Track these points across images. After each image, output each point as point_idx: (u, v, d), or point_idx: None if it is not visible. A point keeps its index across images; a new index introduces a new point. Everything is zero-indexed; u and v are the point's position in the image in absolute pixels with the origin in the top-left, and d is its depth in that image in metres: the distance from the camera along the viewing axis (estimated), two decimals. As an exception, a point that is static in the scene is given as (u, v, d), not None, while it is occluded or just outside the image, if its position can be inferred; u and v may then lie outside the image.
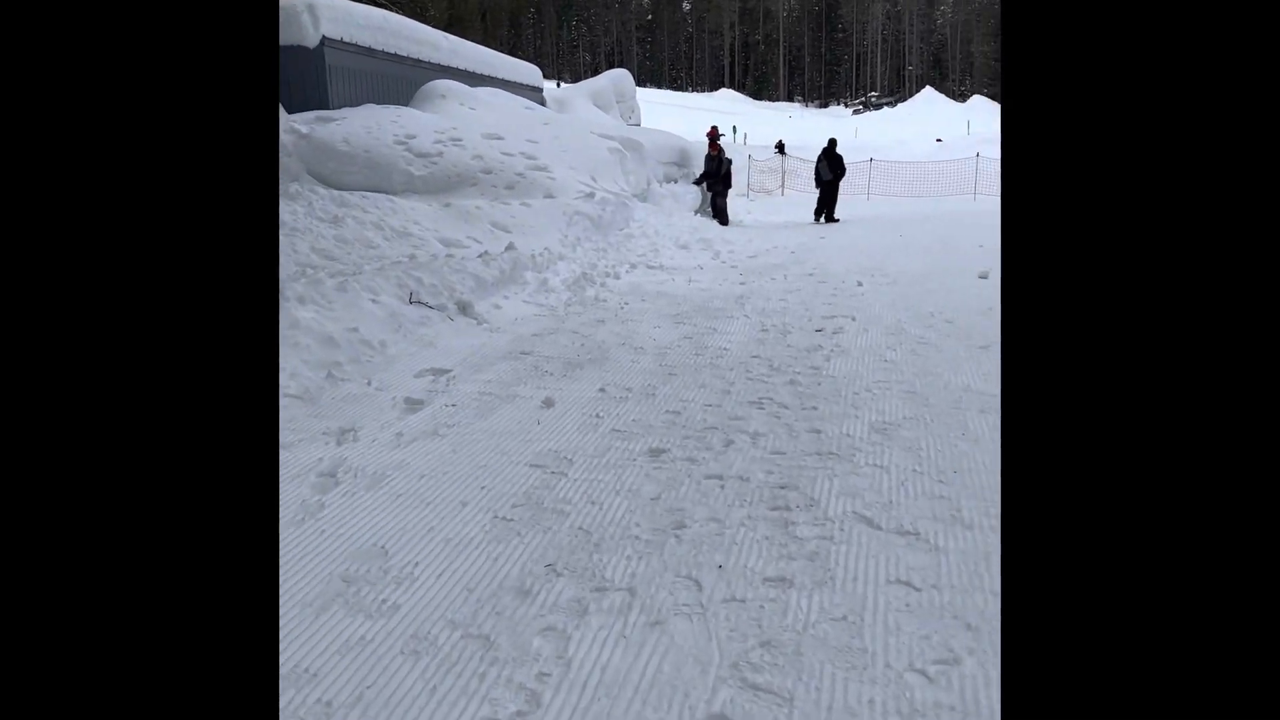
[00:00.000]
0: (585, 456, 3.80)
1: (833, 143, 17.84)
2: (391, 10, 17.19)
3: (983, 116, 58.32)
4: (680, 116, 51.25)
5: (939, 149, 38.43)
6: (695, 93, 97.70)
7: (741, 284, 8.67)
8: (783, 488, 3.42)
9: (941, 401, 4.50)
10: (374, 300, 5.92)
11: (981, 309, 7.05)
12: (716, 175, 16.47)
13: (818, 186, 17.63)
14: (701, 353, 5.69)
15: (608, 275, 8.74)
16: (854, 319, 6.73)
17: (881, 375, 5.05)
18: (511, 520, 3.16)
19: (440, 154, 11.32)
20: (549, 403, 4.54)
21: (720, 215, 16.32)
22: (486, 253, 8.01)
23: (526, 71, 23.81)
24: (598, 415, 4.37)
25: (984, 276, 8.72)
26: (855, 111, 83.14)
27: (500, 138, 12.42)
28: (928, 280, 8.66)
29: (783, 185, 27.48)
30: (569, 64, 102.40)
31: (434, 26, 20.81)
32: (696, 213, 16.18)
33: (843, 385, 4.85)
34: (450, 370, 5.18)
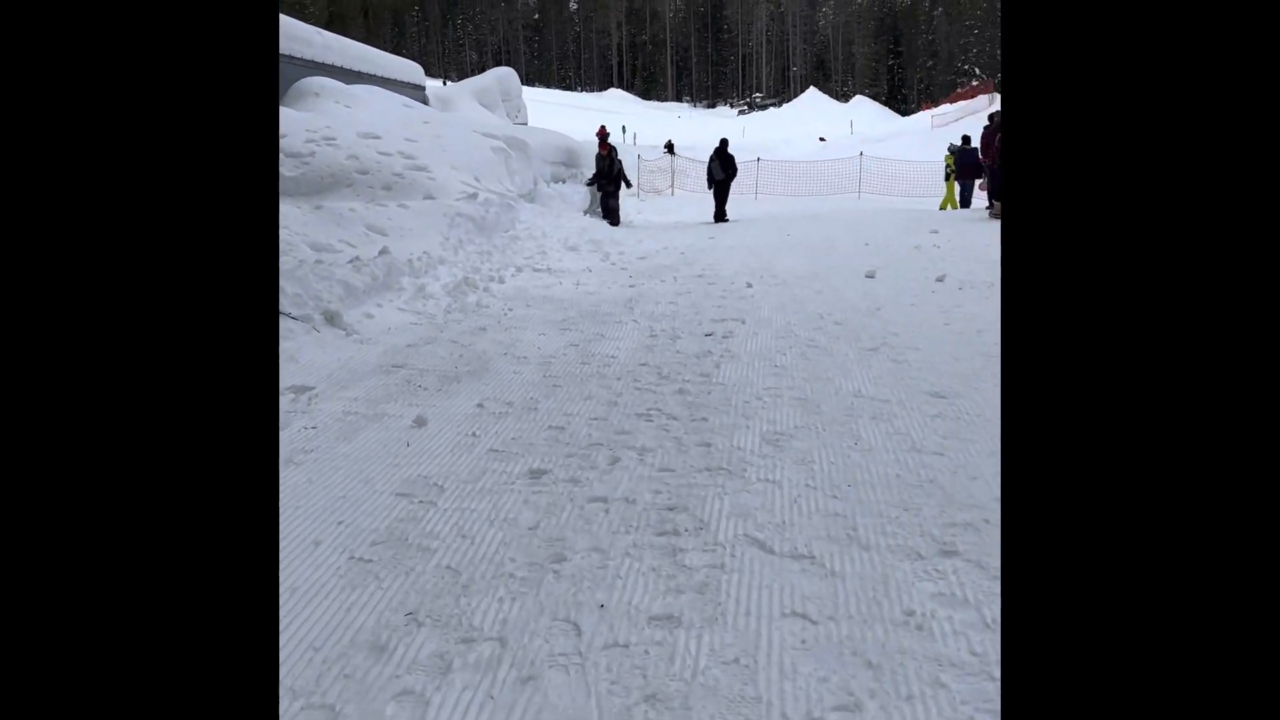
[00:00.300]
0: (458, 482, 3.49)
1: (724, 142, 17.87)
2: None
3: (865, 116, 59.99)
4: (570, 116, 50.97)
5: (823, 148, 39.29)
6: (585, 92, 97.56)
7: (631, 286, 8.45)
8: (671, 509, 3.19)
9: (833, 409, 4.36)
10: (230, 312, 5.44)
11: (869, 309, 7.00)
12: (608, 175, 16.27)
13: (710, 186, 17.62)
14: (588, 361, 5.43)
15: (491, 279, 8.39)
16: (744, 322, 6.58)
17: (772, 382, 4.89)
18: (370, 561, 2.83)
19: (312, 154, 10.74)
20: (421, 421, 4.20)
21: (611, 216, 16.11)
22: (358, 258, 7.56)
23: (407, 69, 23.04)
24: (474, 434, 4.06)
25: (870, 276, 8.73)
26: (741, 112, 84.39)
27: (377, 137, 11.88)
28: (815, 280, 8.62)
29: (673, 185, 27.49)
30: (455, 63, 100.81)
31: (312, 24, 19.93)
32: (586, 213, 15.92)
33: (733, 393, 4.67)
34: (313, 387, 4.77)
